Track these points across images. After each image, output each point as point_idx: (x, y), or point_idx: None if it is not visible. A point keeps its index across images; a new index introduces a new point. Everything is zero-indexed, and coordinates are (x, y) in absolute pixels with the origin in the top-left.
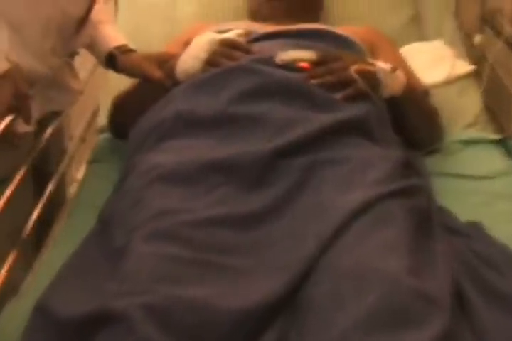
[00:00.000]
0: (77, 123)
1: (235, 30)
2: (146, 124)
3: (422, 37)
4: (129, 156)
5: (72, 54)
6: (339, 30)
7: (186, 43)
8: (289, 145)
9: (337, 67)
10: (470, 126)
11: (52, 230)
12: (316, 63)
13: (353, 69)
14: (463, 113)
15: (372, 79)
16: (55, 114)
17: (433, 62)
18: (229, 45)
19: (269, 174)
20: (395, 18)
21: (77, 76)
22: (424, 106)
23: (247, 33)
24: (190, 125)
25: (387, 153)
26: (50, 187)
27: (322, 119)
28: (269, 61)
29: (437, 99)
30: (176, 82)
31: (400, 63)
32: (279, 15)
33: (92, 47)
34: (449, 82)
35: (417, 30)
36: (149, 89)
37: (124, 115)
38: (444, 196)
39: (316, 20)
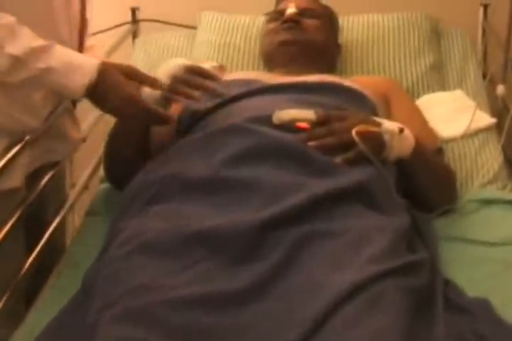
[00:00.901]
0: (81, 171)
1: (210, 63)
2: (135, 185)
3: (443, 85)
4: (114, 219)
5: (74, 100)
6: (352, 81)
7: None
8: (281, 216)
9: (339, 128)
10: (489, 182)
11: (44, 287)
12: (316, 123)
13: (354, 130)
14: (482, 169)
15: (376, 140)
16: (54, 164)
17: (452, 114)
18: (194, 72)
19: (256, 248)
20: (416, 66)
21: (77, 124)
22: (435, 167)
23: (222, 68)
24: (181, 189)
25: (388, 223)
26: (45, 238)
27: (319, 186)
28: (265, 120)
29: (455, 154)
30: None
31: (415, 116)
32: (292, 61)
33: None
34: (468, 136)
35: (439, 78)
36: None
37: (112, 160)
38: (452, 264)
39: (331, 66)
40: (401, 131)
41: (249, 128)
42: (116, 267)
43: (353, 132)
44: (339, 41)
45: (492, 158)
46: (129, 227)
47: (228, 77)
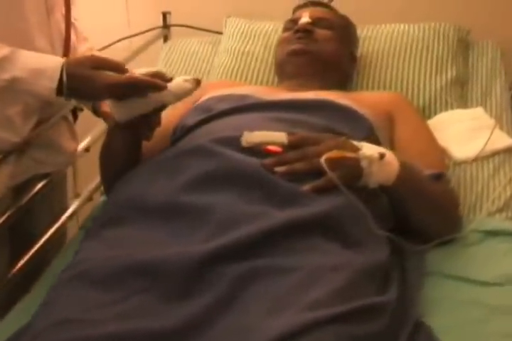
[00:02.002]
0: (85, 181)
1: (184, 77)
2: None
3: (465, 101)
4: (80, 241)
5: (75, 111)
6: (351, 99)
7: (195, 102)
8: (226, 249)
9: (311, 153)
10: (499, 210)
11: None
12: (288, 147)
13: (324, 156)
14: (492, 195)
15: (352, 167)
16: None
17: (469, 134)
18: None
19: (197, 283)
20: (437, 80)
21: (74, 135)
22: (429, 194)
23: (196, 80)
24: (138, 213)
25: (353, 259)
26: (33, 251)
27: (277, 216)
28: (234, 142)
29: (466, 176)
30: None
31: (419, 135)
32: (301, 72)
33: None
34: (482, 158)
35: (462, 93)
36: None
37: (105, 173)
38: (437, 305)
39: (343, 79)
40: (381, 156)
41: (213, 150)
42: (54, 293)
43: (322, 158)
44: (358, 53)
45: (505, 183)
46: (82, 250)
47: (225, 91)
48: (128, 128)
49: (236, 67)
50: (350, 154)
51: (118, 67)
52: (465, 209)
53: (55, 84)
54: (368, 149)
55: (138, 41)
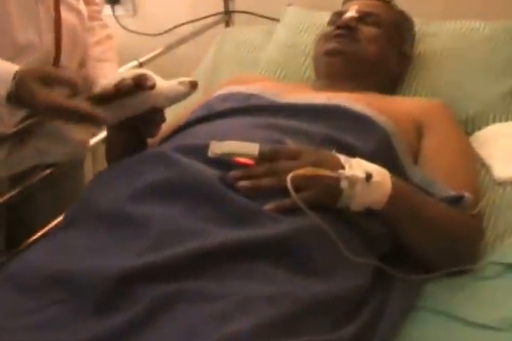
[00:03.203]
0: None
1: (181, 78)
2: None
3: None
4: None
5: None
6: (368, 104)
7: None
8: (156, 266)
9: (283, 168)
10: None
11: None
12: (260, 159)
13: (292, 174)
14: None
15: (328, 186)
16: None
17: None
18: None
19: (115, 299)
20: (496, 87)
21: (86, 126)
22: (433, 220)
23: (192, 83)
24: (89, 219)
25: (298, 289)
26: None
27: (220, 236)
28: (201, 150)
29: (503, 200)
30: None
31: (447, 150)
32: (335, 73)
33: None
34: None
35: None
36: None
37: None
38: None
39: (386, 83)
40: (368, 177)
41: (172, 158)
42: None
43: (289, 175)
44: (413, 51)
45: None
46: (29, 250)
47: (235, 88)
48: (124, 129)
49: (280, 59)
50: (327, 172)
51: (69, 84)
52: (491, 237)
53: (4, 92)
54: (354, 168)
55: (201, 26)
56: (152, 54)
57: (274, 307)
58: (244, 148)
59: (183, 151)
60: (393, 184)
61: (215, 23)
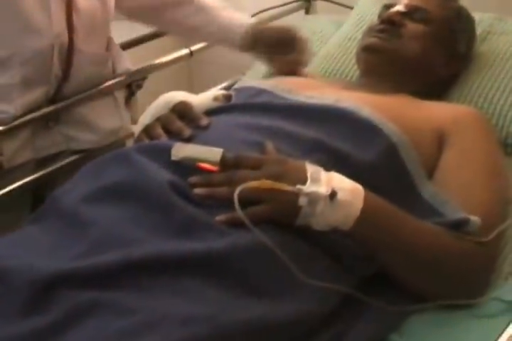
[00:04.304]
0: None
1: (216, 92)
2: None
3: None
4: None
5: (131, 93)
6: (380, 108)
7: None
8: (82, 273)
9: (242, 178)
10: None
11: None
12: (224, 166)
13: (240, 187)
14: None
15: (285, 202)
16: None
17: None
18: (179, 112)
19: (41, 303)
20: None
21: (119, 113)
22: (418, 250)
23: (226, 97)
24: (51, 215)
25: (221, 312)
26: None
27: (154, 247)
28: (165, 152)
29: None
30: None
31: (470, 164)
32: (372, 71)
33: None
34: None
35: None
36: None
37: None
38: None
39: (430, 83)
40: (332, 195)
41: (132, 159)
42: None
43: (238, 188)
44: (471, 53)
45: None
46: None
47: (256, 82)
48: None
49: (336, 53)
50: (284, 187)
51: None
52: (504, 269)
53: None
54: (320, 183)
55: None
56: None
57: (189, 329)
58: (207, 153)
59: (148, 152)
60: (366, 204)
61: (295, 10)
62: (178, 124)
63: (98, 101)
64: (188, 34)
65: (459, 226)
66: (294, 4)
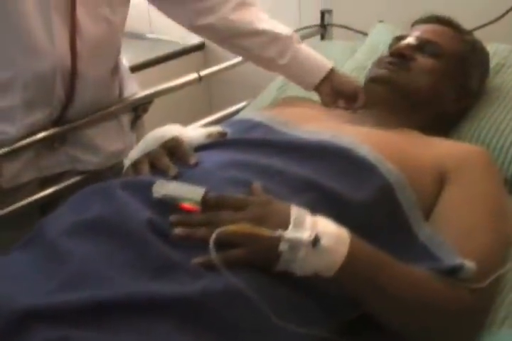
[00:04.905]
0: None
1: (211, 128)
2: None
3: None
4: None
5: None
6: (378, 146)
7: None
8: (51, 309)
9: (219, 220)
10: None
11: None
12: (206, 206)
13: (218, 230)
14: None
15: (265, 247)
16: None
17: None
18: (170, 148)
19: (13, 337)
20: None
21: (123, 137)
22: (406, 298)
23: (221, 134)
24: (36, 242)
25: None
26: None
27: (127, 286)
28: (147, 188)
29: None
30: None
31: (472, 207)
32: (379, 104)
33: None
34: None
35: None
36: None
37: None
38: None
39: (429, 121)
40: (314, 241)
41: (114, 194)
42: None
43: (216, 231)
44: (483, 88)
45: None
46: None
47: (251, 114)
48: None
49: None
50: (264, 231)
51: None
52: (500, 313)
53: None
54: (303, 228)
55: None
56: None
57: None
58: (188, 192)
59: (131, 187)
60: (351, 251)
61: (311, 35)
62: (166, 161)
63: (103, 124)
64: (264, 64)
65: (452, 272)
66: (311, 29)
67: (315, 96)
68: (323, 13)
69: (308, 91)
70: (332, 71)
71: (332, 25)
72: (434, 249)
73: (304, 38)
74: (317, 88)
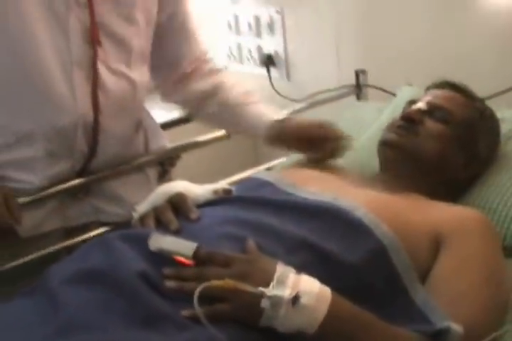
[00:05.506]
0: None
1: (219, 185)
2: None
3: None
4: None
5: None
6: (375, 208)
7: None
8: None
9: (207, 275)
10: None
11: None
12: (197, 261)
13: (202, 285)
14: None
15: (247, 303)
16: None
17: None
18: (174, 204)
19: None
20: None
21: (149, 190)
22: None
23: (226, 191)
24: (43, 289)
25: None
26: None
27: (112, 337)
28: (144, 241)
29: None
30: None
31: (466, 273)
32: (388, 167)
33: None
34: None
35: None
36: None
37: None
38: None
39: (436, 186)
40: (294, 300)
41: (113, 245)
42: None
43: (200, 286)
44: (493, 155)
45: None
46: None
47: (265, 174)
48: None
49: (367, 146)
50: (247, 288)
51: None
52: None
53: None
54: (285, 286)
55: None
56: None
57: None
58: (181, 247)
59: (130, 240)
60: (332, 309)
61: (347, 95)
62: (169, 216)
63: (128, 176)
64: (217, 126)
65: (439, 335)
66: (347, 89)
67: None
68: (357, 74)
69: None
70: (279, 123)
71: (367, 85)
72: (428, 312)
73: (340, 97)
74: (272, 143)
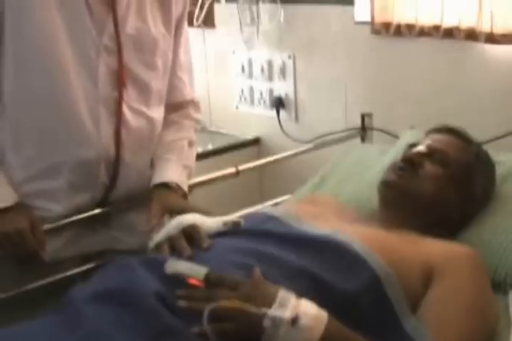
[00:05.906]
0: None
1: (229, 218)
2: None
3: None
4: None
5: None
6: (370, 242)
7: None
8: None
9: (216, 296)
10: None
11: None
12: (208, 283)
13: (210, 306)
14: None
15: (250, 323)
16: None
17: None
18: (188, 233)
19: None
20: None
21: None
22: None
23: (235, 223)
24: (70, 308)
25: None
26: None
27: None
28: (161, 265)
29: None
30: None
31: (453, 304)
32: (388, 207)
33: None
34: None
35: None
36: None
37: None
38: None
39: (432, 225)
40: (293, 321)
41: (133, 268)
42: None
43: (209, 307)
44: (489, 196)
45: None
46: None
47: (272, 209)
48: None
49: (367, 190)
50: (251, 309)
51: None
52: None
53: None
54: (285, 308)
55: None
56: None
57: None
58: (193, 271)
59: (148, 264)
60: (327, 331)
61: (352, 137)
62: (183, 244)
63: (145, 207)
64: None
65: None
66: (352, 131)
67: (343, 195)
68: (363, 117)
69: None
70: (161, 187)
71: (372, 129)
72: (418, 339)
73: (346, 139)
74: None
